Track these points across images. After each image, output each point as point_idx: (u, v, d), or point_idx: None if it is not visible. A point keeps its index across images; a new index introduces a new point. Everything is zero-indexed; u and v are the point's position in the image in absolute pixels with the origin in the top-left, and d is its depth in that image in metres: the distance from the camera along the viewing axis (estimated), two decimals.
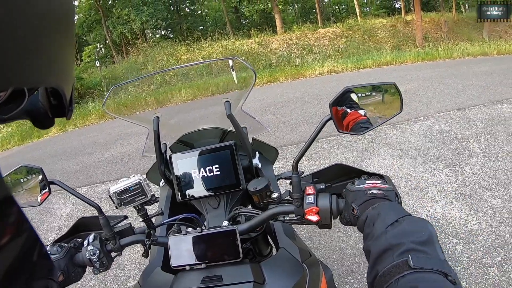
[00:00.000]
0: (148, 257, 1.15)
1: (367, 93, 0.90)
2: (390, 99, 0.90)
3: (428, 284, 0.57)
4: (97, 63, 18.68)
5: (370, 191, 0.85)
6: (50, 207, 4.62)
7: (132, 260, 3.16)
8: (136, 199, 0.99)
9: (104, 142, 7.69)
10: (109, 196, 0.99)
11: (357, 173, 1.02)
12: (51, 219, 4.35)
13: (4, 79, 0.27)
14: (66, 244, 1.04)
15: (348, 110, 0.90)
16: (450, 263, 2.52)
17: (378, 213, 0.75)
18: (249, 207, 1.13)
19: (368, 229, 0.75)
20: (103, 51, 29.99)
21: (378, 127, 0.92)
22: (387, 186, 0.87)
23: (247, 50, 18.56)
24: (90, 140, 8.32)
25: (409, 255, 0.61)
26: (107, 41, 27.07)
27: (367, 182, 0.88)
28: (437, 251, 0.64)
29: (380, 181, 0.89)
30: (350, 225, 0.88)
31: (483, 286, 2.37)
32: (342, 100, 0.89)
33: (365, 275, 0.74)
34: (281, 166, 4.63)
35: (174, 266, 0.99)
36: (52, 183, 1.09)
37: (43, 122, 0.44)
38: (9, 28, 0.26)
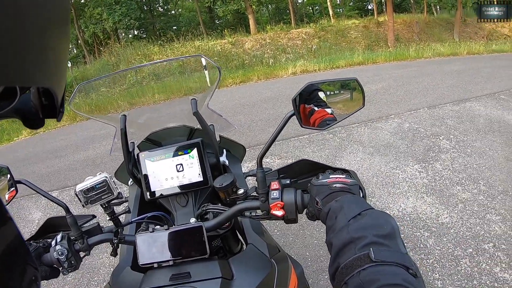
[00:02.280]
0: (118, 256, 1.14)
1: (334, 91, 0.91)
2: (353, 94, 0.91)
3: (389, 276, 0.57)
4: (69, 64, 18.30)
5: (334, 185, 0.86)
6: (22, 212, 4.51)
7: (106, 264, 3.11)
8: (103, 197, 0.98)
9: (76, 145, 7.52)
10: (76, 194, 0.98)
11: (322, 168, 1.03)
12: (22, 224, 4.23)
13: None
14: (34, 243, 1.02)
15: (316, 108, 0.91)
16: (422, 256, 2.58)
17: (341, 206, 0.76)
18: (219, 204, 1.13)
19: (331, 221, 0.76)
20: (75, 51, 29.33)
21: (340, 121, 0.93)
22: (351, 180, 0.88)
23: (220, 50, 18.46)
24: (61, 143, 8.11)
25: (371, 248, 0.62)
26: (79, 41, 26.45)
27: (331, 176, 0.89)
28: (398, 245, 0.64)
29: (345, 176, 0.90)
30: (315, 219, 0.89)
31: (455, 277, 2.43)
32: (310, 98, 0.90)
33: None
34: (253, 165, 4.63)
35: (142, 264, 0.99)
36: (19, 182, 1.08)
37: (33, 122, 0.44)
38: (2, 26, 0.26)
